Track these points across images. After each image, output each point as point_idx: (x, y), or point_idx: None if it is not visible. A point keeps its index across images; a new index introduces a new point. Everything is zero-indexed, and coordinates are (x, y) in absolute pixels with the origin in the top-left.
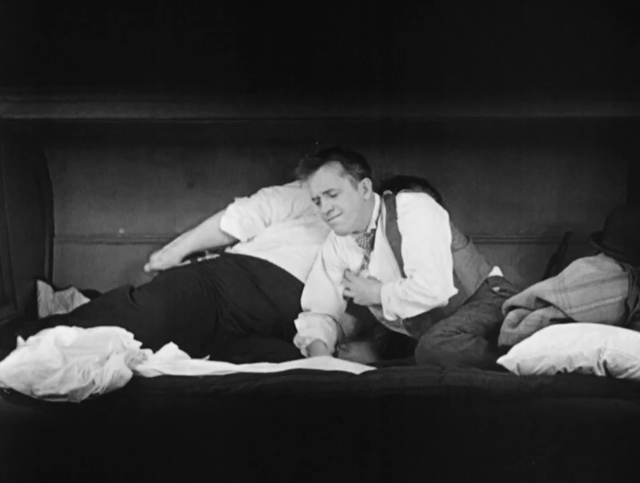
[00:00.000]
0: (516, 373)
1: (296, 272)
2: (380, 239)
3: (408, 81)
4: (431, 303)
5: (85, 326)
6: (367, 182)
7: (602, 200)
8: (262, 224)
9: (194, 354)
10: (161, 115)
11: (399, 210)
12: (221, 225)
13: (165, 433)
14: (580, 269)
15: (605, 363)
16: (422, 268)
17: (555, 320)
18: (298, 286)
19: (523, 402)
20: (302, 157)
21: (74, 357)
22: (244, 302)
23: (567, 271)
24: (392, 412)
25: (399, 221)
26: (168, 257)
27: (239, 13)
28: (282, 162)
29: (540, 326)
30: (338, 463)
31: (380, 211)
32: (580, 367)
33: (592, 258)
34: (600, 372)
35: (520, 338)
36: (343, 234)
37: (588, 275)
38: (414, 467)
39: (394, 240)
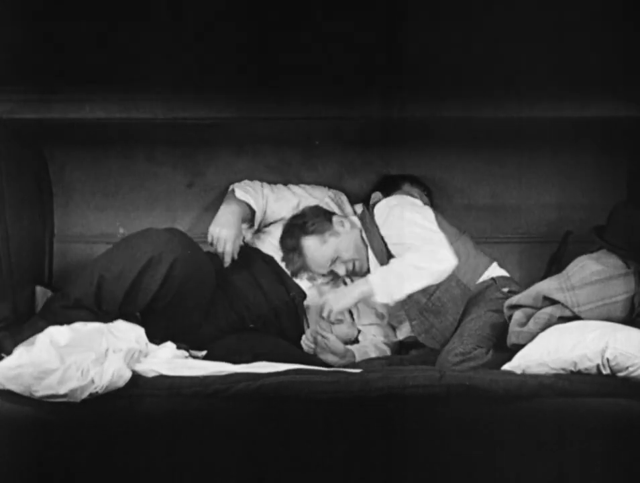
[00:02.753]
0: None
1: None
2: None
3: (408, 81)
4: (436, 268)
5: None
6: (336, 219)
7: (602, 199)
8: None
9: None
10: (161, 115)
11: (378, 221)
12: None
13: (164, 433)
14: (586, 266)
15: (608, 360)
16: (419, 243)
17: (562, 319)
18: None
19: (523, 402)
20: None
21: (71, 355)
22: (239, 288)
23: (572, 268)
24: (392, 412)
25: (382, 231)
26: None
27: (239, 12)
28: (282, 161)
29: (548, 324)
30: (338, 462)
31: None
32: (586, 368)
33: (595, 255)
34: (605, 371)
35: (531, 335)
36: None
37: (595, 272)
38: (415, 466)
39: (379, 252)
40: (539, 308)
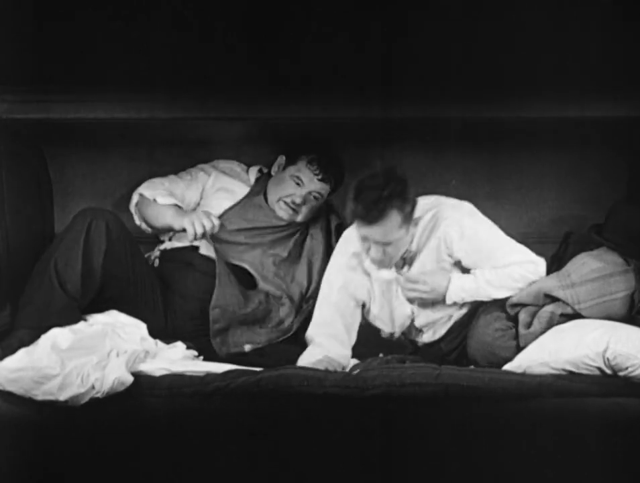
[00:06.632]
0: None
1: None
2: None
3: (408, 81)
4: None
5: None
6: (416, 217)
7: (602, 199)
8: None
9: None
10: (161, 115)
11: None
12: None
13: (164, 433)
14: (586, 264)
15: (608, 360)
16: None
17: (564, 316)
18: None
19: (523, 402)
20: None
21: (72, 360)
22: (179, 284)
23: (571, 266)
24: (389, 409)
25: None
26: None
27: (239, 12)
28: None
29: (551, 322)
30: (336, 457)
31: None
32: (587, 368)
33: (595, 252)
34: (609, 371)
35: (535, 335)
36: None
37: (596, 269)
38: (412, 463)
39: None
40: (541, 306)
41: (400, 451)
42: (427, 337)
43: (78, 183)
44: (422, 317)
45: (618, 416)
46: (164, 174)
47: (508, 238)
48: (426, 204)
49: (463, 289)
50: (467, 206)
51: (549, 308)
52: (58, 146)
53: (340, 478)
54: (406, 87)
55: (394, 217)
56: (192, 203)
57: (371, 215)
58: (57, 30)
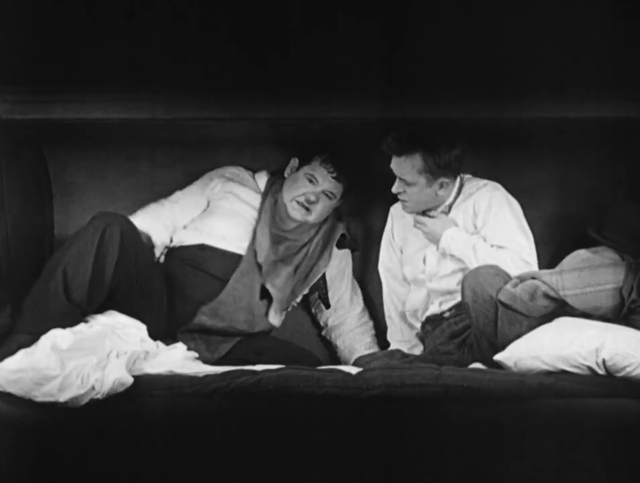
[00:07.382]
0: (514, 370)
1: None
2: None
3: (408, 81)
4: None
5: None
6: (445, 181)
7: (602, 200)
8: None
9: None
10: (161, 115)
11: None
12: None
13: (165, 433)
14: (579, 255)
15: (604, 361)
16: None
17: (548, 297)
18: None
19: (523, 402)
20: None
21: (72, 361)
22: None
23: (566, 258)
24: (389, 410)
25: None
26: None
27: (240, 12)
28: (281, 162)
29: (533, 295)
30: (336, 457)
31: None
32: (578, 367)
33: (592, 249)
34: (600, 371)
35: (513, 296)
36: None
37: (585, 259)
38: (412, 463)
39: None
40: None
41: (400, 452)
42: (433, 309)
43: (78, 183)
44: (435, 281)
45: (618, 417)
46: (163, 174)
47: (527, 237)
48: (479, 181)
49: (452, 238)
50: (510, 197)
51: (535, 282)
52: (58, 146)
53: (340, 478)
54: (406, 87)
55: (415, 160)
56: (186, 221)
57: (393, 144)
58: (57, 30)
